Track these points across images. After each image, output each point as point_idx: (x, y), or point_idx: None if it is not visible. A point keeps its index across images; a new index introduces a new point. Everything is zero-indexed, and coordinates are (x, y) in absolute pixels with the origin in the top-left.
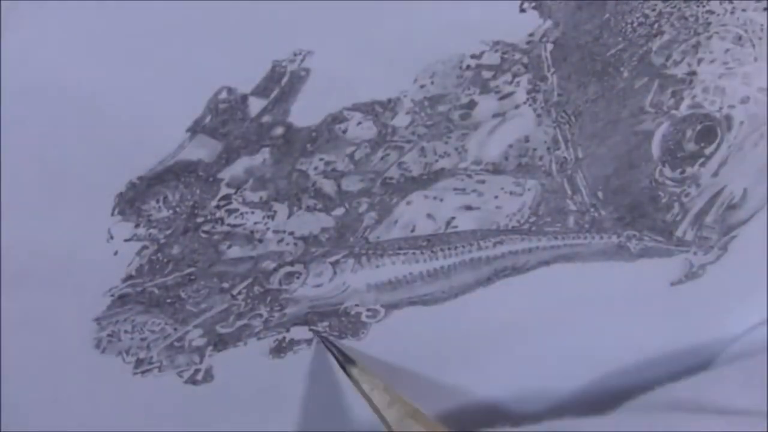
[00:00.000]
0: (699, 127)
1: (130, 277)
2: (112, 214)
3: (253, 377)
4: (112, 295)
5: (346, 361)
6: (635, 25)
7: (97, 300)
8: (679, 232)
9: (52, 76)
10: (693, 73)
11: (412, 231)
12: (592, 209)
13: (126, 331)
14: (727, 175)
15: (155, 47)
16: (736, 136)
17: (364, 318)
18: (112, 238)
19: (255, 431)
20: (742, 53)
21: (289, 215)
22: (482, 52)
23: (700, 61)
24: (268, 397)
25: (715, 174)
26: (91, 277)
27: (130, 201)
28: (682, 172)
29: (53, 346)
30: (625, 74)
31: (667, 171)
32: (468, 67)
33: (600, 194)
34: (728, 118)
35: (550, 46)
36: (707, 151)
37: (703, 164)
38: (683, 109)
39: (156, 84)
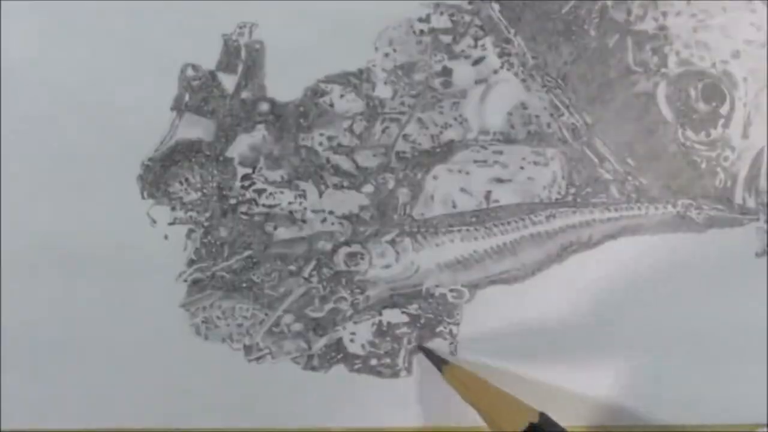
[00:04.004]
0: (700, 85)
1: (192, 261)
2: (143, 198)
3: None
4: (185, 281)
5: (440, 362)
6: None
7: (170, 286)
8: (738, 199)
9: (44, 73)
10: (664, 28)
11: (455, 207)
12: (630, 177)
13: (218, 317)
14: (759, 135)
15: (120, 30)
16: (746, 93)
17: (450, 299)
18: (155, 222)
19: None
20: (707, 4)
21: (320, 194)
22: (428, 16)
23: (665, 14)
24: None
25: (745, 135)
26: (151, 262)
27: (153, 183)
28: (708, 134)
29: (148, 334)
30: (593, 32)
31: (691, 134)
32: (422, 32)
33: (630, 161)
34: (728, 75)
35: (496, 6)
36: (722, 111)
37: (725, 125)
38: (673, 67)
39: (130, 67)
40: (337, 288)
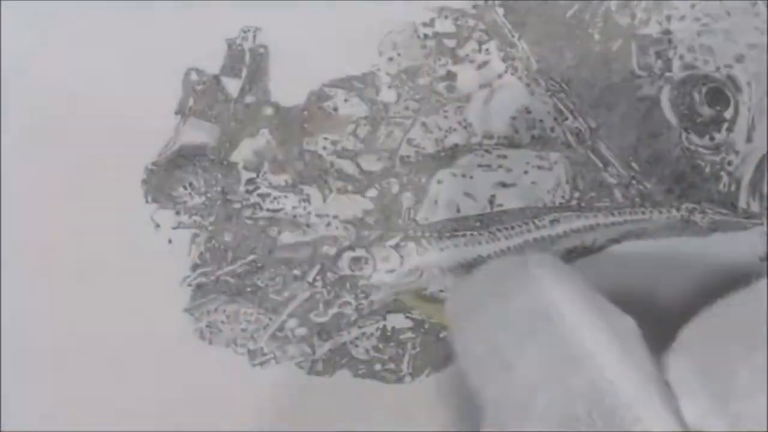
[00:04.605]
0: (704, 89)
1: (196, 265)
2: (147, 202)
3: None
4: (189, 285)
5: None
6: None
7: (175, 290)
8: (742, 203)
9: (46, 77)
10: (668, 32)
11: (459, 211)
12: (634, 182)
13: (223, 322)
14: (762, 139)
15: (123, 34)
16: (750, 97)
17: None
18: (158, 226)
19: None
20: (711, 8)
21: (324, 199)
22: (432, 20)
23: (669, 18)
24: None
25: (749, 140)
26: (156, 267)
27: (158, 187)
28: (712, 138)
29: (151, 338)
30: (597, 36)
31: (695, 138)
32: (426, 36)
33: (635, 165)
34: (732, 79)
35: (501, 10)
36: (727, 115)
37: (729, 129)
38: (677, 71)
39: (133, 71)
40: (342, 292)
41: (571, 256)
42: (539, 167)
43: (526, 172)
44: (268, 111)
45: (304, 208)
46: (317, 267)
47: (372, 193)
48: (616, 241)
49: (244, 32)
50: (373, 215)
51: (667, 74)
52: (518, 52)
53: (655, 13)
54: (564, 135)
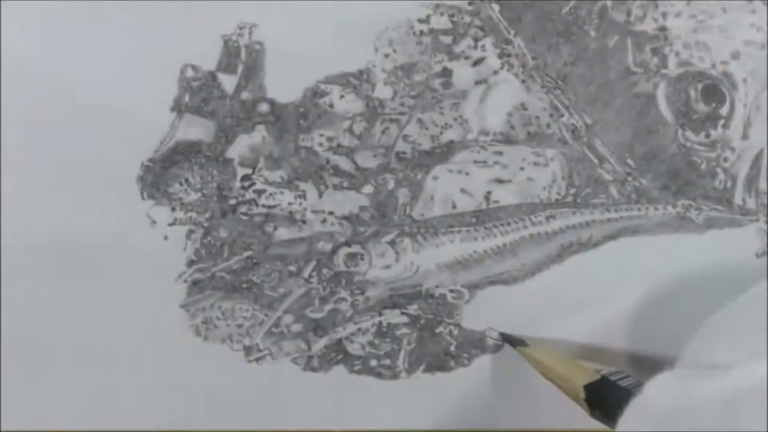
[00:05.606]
0: (700, 86)
1: (192, 261)
2: (143, 198)
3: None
4: (185, 281)
5: (518, 343)
6: None
7: (171, 286)
8: (737, 200)
9: (43, 74)
10: (664, 29)
11: (455, 208)
12: (629, 178)
13: (218, 318)
14: (758, 136)
15: (119, 30)
16: (746, 94)
17: (450, 299)
18: (154, 222)
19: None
20: (707, 5)
21: (320, 195)
22: (428, 16)
23: (665, 15)
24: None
25: (745, 136)
26: (152, 263)
27: (153, 184)
28: (707, 135)
29: (147, 335)
30: (592, 33)
31: (691, 135)
32: (421, 32)
33: (630, 162)
34: (728, 76)
35: (496, 6)
36: (722, 112)
37: (725, 126)
38: (673, 68)
39: (129, 68)
40: (337, 289)
41: (566, 252)
42: (535, 164)
43: (522, 169)
44: (264, 107)
45: (300, 204)
46: (313, 263)
47: (368, 189)
48: (612, 237)
49: (240, 29)
50: (368, 211)
51: (663, 71)
52: (514, 49)
53: (651, 10)
54: (560, 131)
